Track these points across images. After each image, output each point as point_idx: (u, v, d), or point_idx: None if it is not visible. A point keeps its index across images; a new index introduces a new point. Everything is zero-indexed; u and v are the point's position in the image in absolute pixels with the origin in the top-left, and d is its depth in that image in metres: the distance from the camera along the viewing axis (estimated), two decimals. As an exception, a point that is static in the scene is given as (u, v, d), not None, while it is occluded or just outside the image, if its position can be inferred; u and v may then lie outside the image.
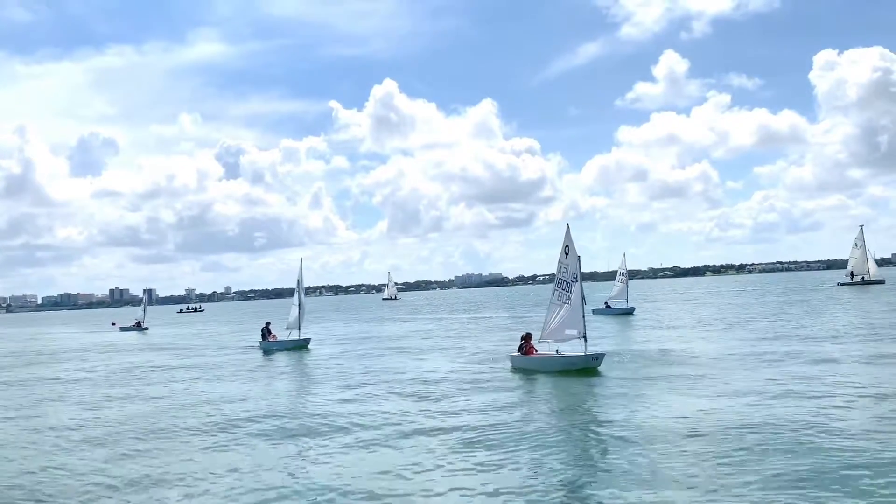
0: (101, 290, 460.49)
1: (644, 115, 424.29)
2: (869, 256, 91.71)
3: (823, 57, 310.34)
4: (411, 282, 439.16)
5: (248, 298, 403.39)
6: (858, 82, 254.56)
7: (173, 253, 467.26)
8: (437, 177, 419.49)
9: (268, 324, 47.59)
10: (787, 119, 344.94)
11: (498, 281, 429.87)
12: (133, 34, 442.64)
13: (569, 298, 29.44)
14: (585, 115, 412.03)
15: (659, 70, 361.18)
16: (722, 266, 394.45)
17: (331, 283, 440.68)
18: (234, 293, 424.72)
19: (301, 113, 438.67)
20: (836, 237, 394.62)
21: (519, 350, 30.10)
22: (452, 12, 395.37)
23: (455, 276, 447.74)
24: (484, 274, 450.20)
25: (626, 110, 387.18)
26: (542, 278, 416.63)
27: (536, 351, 29.75)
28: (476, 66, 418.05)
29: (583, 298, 28.77)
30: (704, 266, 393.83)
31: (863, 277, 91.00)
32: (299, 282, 45.73)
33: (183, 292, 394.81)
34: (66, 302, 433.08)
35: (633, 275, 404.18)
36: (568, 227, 29.96)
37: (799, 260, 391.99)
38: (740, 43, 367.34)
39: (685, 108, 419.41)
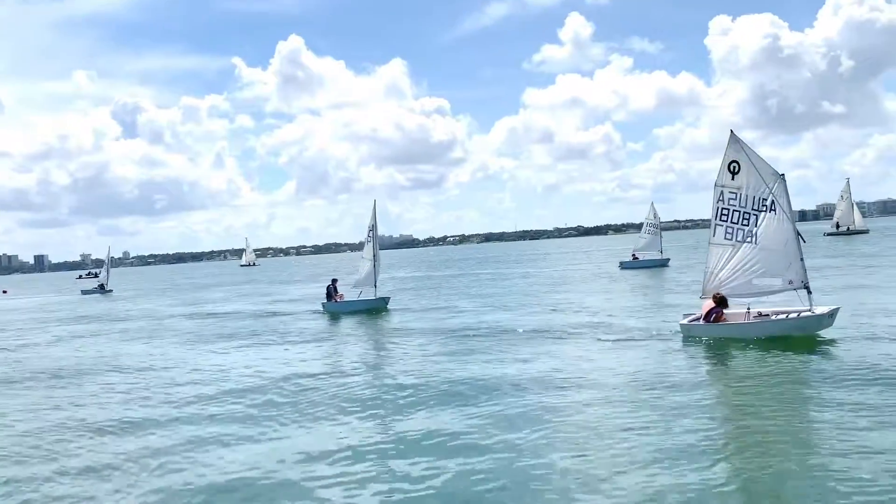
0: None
1: (550, 78, 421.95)
2: (854, 208, 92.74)
3: (718, 23, 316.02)
4: (321, 244, 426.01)
5: (148, 264, 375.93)
6: (750, 48, 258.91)
7: (67, 217, 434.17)
8: (347, 137, 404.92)
9: (334, 281, 37.47)
10: (685, 82, 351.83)
11: (409, 242, 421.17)
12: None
13: (750, 235, 20.69)
14: (493, 77, 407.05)
15: (565, 33, 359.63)
16: (623, 225, 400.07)
17: (236, 248, 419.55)
18: (132, 258, 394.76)
19: (201, 70, 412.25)
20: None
21: (707, 316, 20.75)
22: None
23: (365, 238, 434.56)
24: (395, 236, 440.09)
25: (532, 73, 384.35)
26: (452, 239, 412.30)
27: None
28: (385, 24, 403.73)
29: (797, 234, 20.08)
30: (607, 225, 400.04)
31: (848, 227, 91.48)
32: (373, 228, 35.88)
33: (78, 258, 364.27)
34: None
35: (538, 234, 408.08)
36: (733, 134, 21.07)
37: (695, 218, 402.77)
38: (642, 7, 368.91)
39: (589, 70, 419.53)
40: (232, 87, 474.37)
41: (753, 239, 20.56)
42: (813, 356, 17.32)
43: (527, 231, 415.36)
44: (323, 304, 36.33)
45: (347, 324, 31.26)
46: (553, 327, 25.39)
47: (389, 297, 36.18)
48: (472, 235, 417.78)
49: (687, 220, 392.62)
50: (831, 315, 19.42)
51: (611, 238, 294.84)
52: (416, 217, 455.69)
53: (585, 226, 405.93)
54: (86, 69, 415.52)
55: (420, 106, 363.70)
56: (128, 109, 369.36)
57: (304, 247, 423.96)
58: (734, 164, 20.90)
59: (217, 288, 75.20)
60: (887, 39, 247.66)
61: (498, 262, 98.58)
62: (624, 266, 59.90)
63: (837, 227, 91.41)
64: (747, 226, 20.70)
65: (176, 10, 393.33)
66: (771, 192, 20.26)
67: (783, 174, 20.27)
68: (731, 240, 21.05)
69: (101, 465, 12.07)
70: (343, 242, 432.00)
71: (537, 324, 26.66)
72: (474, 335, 24.75)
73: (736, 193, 20.91)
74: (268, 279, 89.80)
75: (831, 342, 18.69)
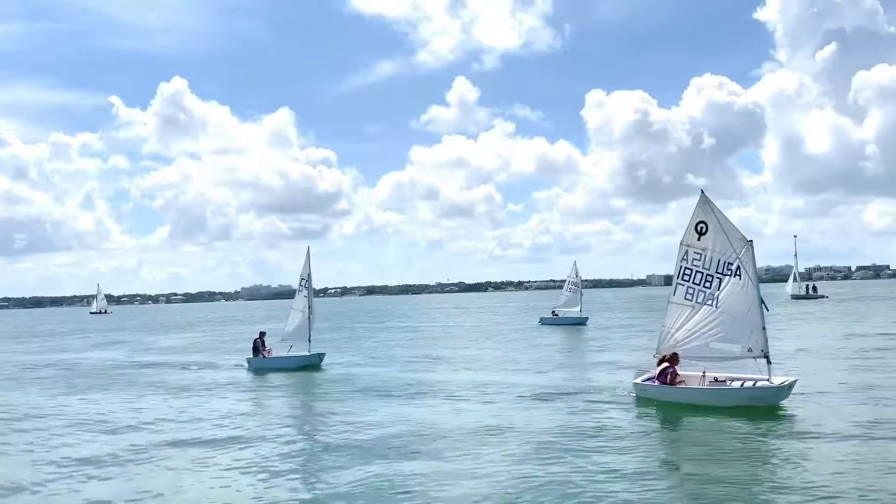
0: None
1: (436, 137, 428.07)
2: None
3: (594, 96, 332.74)
4: (193, 292, 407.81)
5: (2, 307, 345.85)
6: (622, 121, 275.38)
7: None
8: (227, 183, 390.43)
9: (262, 334, 34.02)
10: (562, 149, 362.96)
11: (288, 293, 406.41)
12: None
13: (711, 298, 20.50)
14: (381, 132, 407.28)
15: (452, 96, 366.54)
16: (502, 282, 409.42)
17: (104, 293, 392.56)
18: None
19: (74, 106, 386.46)
20: (600, 259, 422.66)
21: (660, 376, 20.37)
22: (248, 14, 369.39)
23: (242, 288, 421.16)
24: (273, 285, 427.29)
25: (419, 131, 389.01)
26: (333, 291, 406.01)
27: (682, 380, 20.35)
28: (273, 73, 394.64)
29: (761, 301, 19.92)
30: (487, 282, 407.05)
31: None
32: (306, 279, 32.84)
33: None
34: None
35: (420, 289, 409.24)
36: (704, 194, 21.05)
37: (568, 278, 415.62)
38: (525, 77, 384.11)
39: (474, 133, 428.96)
40: (107, 126, 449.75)
41: (714, 302, 20.41)
42: (768, 430, 16.75)
43: (409, 285, 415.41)
44: (248, 360, 33.23)
45: (274, 383, 28.34)
46: (500, 387, 24.32)
47: (324, 353, 33.58)
48: (353, 288, 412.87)
49: (561, 280, 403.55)
50: (789, 387, 19.26)
51: (492, 294, 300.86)
52: (298, 267, 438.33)
53: (467, 282, 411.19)
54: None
55: (306, 156, 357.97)
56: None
57: (176, 294, 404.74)
58: (701, 225, 20.83)
59: (83, 336, 69.54)
60: (743, 121, 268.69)
61: (405, 315, 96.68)
62: (543, 322, 60.03)
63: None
64: (709, 288, 20.55)
65: (49, 42, 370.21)
66: (738, 258, 20.21)
67: (751, 240, 20.29)
68: (692, 300, 20.86)
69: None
70: (217, 291, 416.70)
71: (483, 383, 25.58)
72: (424, 395, 23.23)
73: (701, 254, 20.79)
74: (133, 327, 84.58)
75: (787, 415, 18.33)
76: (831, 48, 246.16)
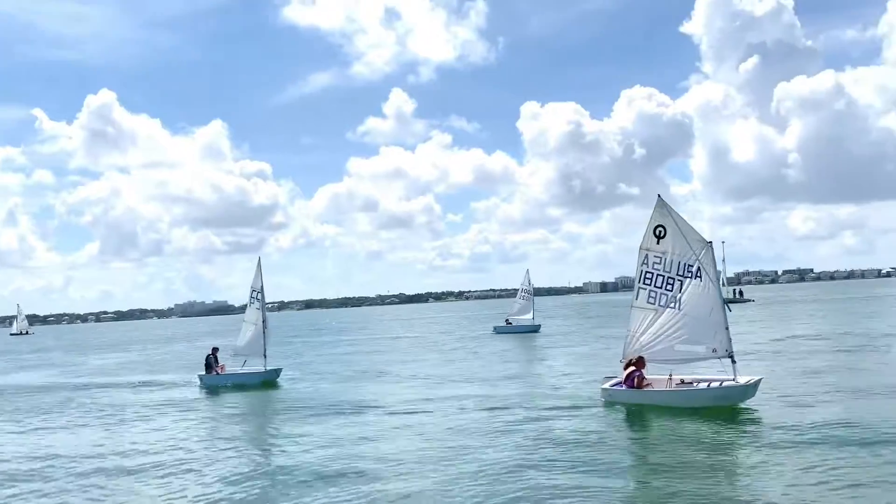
0: None
1: (374, 149, 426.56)
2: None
3: (529, 108, 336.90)
4: (124, 310, 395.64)
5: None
6: (557, 132, 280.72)
7: None
8: (159, 197, 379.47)
9: (214, 350, 32.46)
10: (499, 160, 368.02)
11: (223, 309, 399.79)
12: None
13: (674, 300, 20.54)
14: (317, 144, 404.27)
15: (388, 107, 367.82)
16: (443, 293, 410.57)
17: (26, 313, 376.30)
18: None
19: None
20: (539, 267, 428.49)
21: (627, 380, 20.34)
22: (179, 26, 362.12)
23: (175, 304, 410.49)
24: (208, 301, 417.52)
25: (356, 143, 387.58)
26: (270, 306, 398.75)
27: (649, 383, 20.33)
28: (205, 85, 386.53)
29: (724, 303, 20.04)
30: (427, 293, 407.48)
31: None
32: (259, 291, 31.32)
33: None
34: None
35: (360, 301, 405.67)
36: (661, 199, 21.14)
37: (509, 287, 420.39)
38: (461, 89, 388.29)
39: (412, 144, 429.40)
40: (31, 140, 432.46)
41: (677, 305, 20.47)
42: (734, 429, 16.98)
43: (349, 298, 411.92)
44: (200, 377, 31.72)
45: (224, 401, 27.03)
46: (465, 399, 23.84)
47: (281, 368, 32.28)
48: (291, 302, 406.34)
49: (502, 290, 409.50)
50: (755, 386, 19.41)
51: (433, 305, 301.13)
52: (233, 282, 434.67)
53: (407, 293, 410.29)
54: None
55: (240, 168, 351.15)
56: None
57: (106, 313, 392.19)
58: (660, 229, 20.88)
59: (4, 358, 66.04)
60: (672, 131, 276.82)
61: (347, 329, 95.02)
62: (498, 331, 60.19)
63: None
64: (671, 291, 20.60)
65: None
66: (698, 259, 20.32)
67: (710, 242, 20.45)
68: (654, 304, 20.89)
69: None
70: (150, 308, 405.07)
71: (447, 396, 24.93)
72: (383, 412, 22.51)
73: (661, 258, 20.83)
74: (60, 347, 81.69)
75: (753, 414, 18.50)
76: (754, 60, 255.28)
